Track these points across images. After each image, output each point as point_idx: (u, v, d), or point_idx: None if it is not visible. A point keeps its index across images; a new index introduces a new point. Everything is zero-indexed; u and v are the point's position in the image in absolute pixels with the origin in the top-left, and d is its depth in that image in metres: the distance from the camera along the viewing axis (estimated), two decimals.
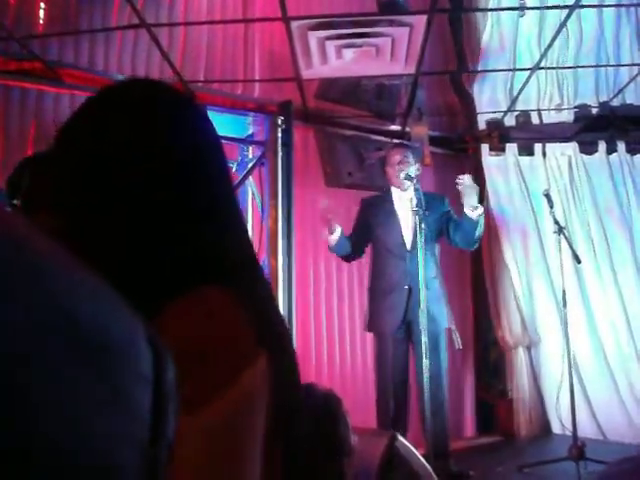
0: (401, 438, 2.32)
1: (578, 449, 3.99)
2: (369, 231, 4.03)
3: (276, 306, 0.92)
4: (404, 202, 4.01)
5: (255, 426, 0.70)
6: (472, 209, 3.82)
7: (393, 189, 4.08)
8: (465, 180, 3.80)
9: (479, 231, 3.93)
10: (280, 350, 0.83)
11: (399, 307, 3.82)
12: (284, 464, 1.80)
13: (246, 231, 0.91)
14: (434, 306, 3.81)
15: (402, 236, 3.94)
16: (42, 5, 3.98)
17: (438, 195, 4.02)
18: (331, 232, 3.82)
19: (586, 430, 4.84)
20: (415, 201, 3.72)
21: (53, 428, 0.33)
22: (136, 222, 0.78)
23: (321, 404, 1.88)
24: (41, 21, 4.00)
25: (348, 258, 4.16)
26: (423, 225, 3.59)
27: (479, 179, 5.56)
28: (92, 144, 0.79)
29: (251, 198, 3.32)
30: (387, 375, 3.85)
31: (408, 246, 3.88)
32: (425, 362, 3.43)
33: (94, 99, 0.86)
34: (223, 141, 2.86)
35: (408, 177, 3.85)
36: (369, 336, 4.10)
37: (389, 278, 3.91)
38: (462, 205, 3.86)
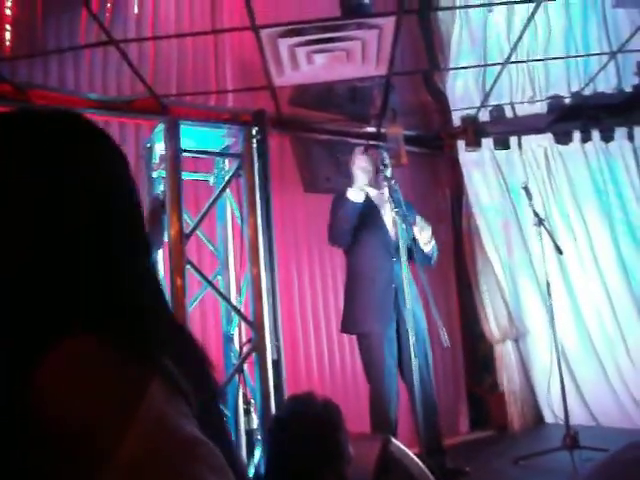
0: (395, 441, 2.33)
1: (572, 438, 4.03)
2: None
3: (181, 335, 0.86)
4: (381, 202, 4.02)
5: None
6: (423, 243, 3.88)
7: (366, 189, 4.05)
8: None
9: (434, 258, 4.00)
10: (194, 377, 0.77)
11: (390, 306, 3.78)
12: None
13: (146, 269, 0.82)
14: (417, 306, 3.83)
15: (389, 234, 3.93)
16: (8, 27, 3.94)
17: (406, 200, 3.99)
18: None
19: (578, 418, 4.89)
20: (395, 202, 3.73)
21: None
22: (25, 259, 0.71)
23: (321, 412, 1.89)
24: (8, 43, 3.96)
25: (344, 238, 3.96)
26: (404, 226, 3.60)
27: (457, 175, 5.61)
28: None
29: (230, 210, 3.30)
30: (384, 377, 3.78)
31: (394, 244, 3.83)
32: (414, 362, 3.43)
33: None
34: (199, 155, 2.81)
35: (387, 179, 3.86)
36: (355, 338, 4.08)
37: (377, 277, 3.86)
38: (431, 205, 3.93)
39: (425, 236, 3.86)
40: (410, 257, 3.73)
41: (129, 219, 0.81)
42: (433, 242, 3.91)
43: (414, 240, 3.88)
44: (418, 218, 3.86)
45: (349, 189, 3.84)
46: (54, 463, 0.62)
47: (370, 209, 3.97)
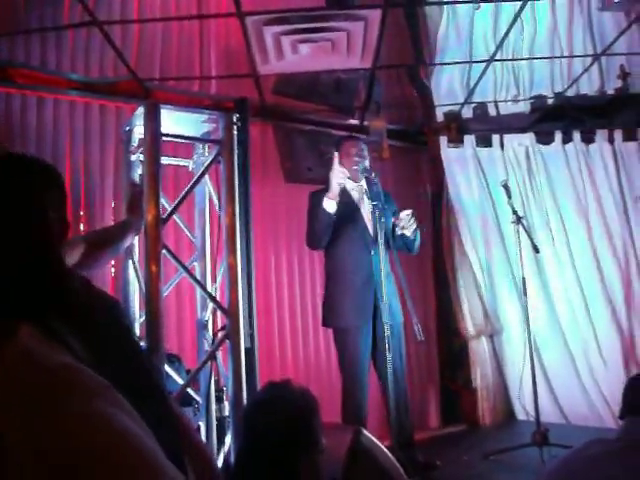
0: (366, 432, 2.34)
1: (541, 435, 4.08)
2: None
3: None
4: (359, 195, 4.01)
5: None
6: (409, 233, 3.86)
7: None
8: (404, 216, 3.81)
9: (417, 243, 3.98)
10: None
11: (369, 301, 3.78)
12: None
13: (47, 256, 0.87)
14: (394, 300, 3.85)
15: (367, 228, 3.90)
16: None
17: (385, 191, 3.97)
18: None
19: (549, 415, 4.94)
20: (373, 194, 3.73)
21: None
22: None
23: (299, 399, 1.89)
24: None
25: (321, 243, 3.95)
26: (383, 219, 3.60)
27: (438, 171, 5.63)
28: None
29: (208, 197, 3.29)
30: (358, 370, 3.79)
31: (373, 238, 3.81)
32: (388, 355, 3.44)
33: None
34: (178, 140, 2.77)
35: (365, 170, 3.85)
36: (331, 331, 4.08)
37: (357, 271, 3.84)
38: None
39: (410, 229, 3.85)
40: (389, 247, 3.75)
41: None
42: (414, 233, 3.91)
43: (394, 228, 3.89)
44: (405, 213, 3.82)
45: (325, 198, 3.76)
46: None
47: (348, 203, 3.94)
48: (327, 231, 3.84)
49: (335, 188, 3.74)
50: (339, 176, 3.74)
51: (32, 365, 0.65)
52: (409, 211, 3.81)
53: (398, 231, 3.87)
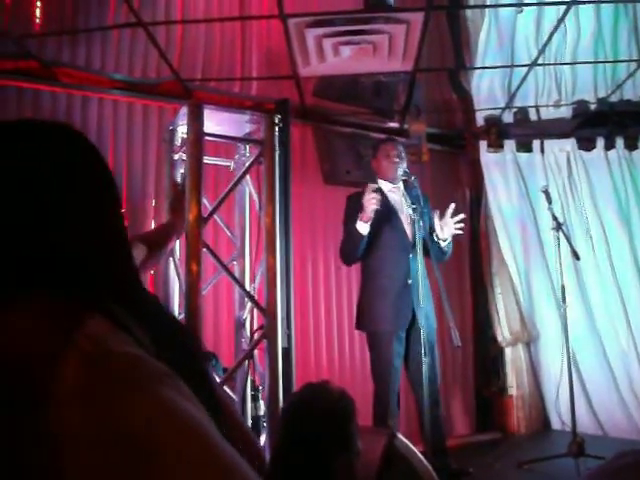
0: (400, 436, 2.33)
1: (577, 445, 4.01)
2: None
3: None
4: (397, 197, 3.98)
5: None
6: (442, 240, 3.84)
7: (382, 183, 3.99)
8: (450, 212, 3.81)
9: (448, 254, 3.97)
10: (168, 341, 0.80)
11: (407, 306, 3.71)
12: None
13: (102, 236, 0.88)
14: (429, 305, 3.81)
15: (405, 232, 3.85)
16: (38, 4, 3.97)
17: (423, 193, 3.93)
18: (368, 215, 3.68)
19: (585, 426, 4.86)
20: (412, 197, 3.72)
21: None
22: None
23: (338, 400, 1.90)
24: (37, 20, 3.99)
25: (354, 261, 3.99)
26: (421, 222, 3.59)
27: (477, 175, 5.59)
28: None
29: (249, 197, 3.31)
30: (390, 376, 3.75)
31: (411, 242, 3.78)
32: (425, 360, 3.43)
33: None
34: (221, 140, 2.79)
35: (406, 173, 3.84)
36: (365, 335, 4.06)
37: (394, 276, 3.80)
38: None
39: (446, 232, 3.84)
40: (425, 253, 3.71)
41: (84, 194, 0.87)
42: (450, 240, 3.89)
43: (431, 234, 3.86)
44: (448, 212, 3.82)
45: (358, 221, 3.71)
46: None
47: (386, 206, 3.88)
48: (360, 250, 3.81)
49: (370, 212, 3.67)
50: (372, 202, 3.65)
51: (106, 357, 0.66)
52: (451, 213, 3.81)
53: (437, 227, 3.84)
